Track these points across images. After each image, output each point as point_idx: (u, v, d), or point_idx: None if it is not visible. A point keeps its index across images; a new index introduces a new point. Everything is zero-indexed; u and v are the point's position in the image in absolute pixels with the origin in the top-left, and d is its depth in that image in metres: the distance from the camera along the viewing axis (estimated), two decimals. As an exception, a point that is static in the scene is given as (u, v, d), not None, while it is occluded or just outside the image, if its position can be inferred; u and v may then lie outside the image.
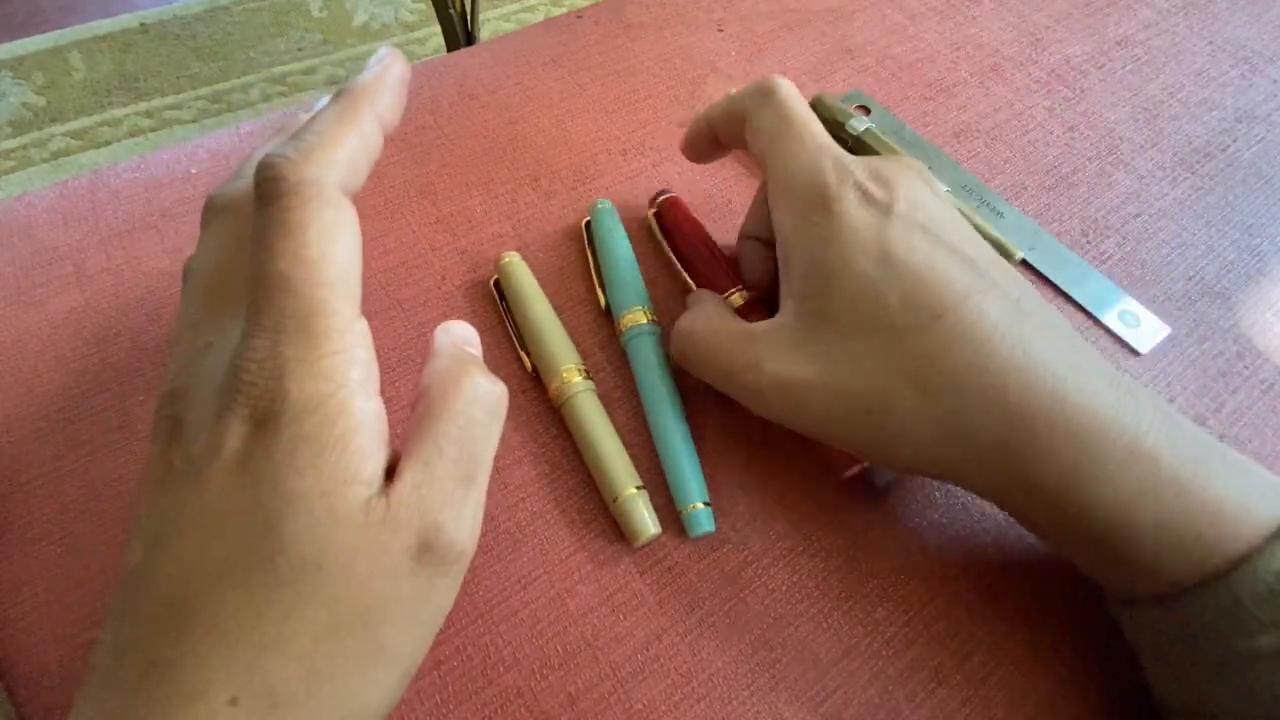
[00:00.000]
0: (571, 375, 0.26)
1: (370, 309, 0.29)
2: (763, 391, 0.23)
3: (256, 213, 0.17)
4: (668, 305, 0.30)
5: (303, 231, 0.16)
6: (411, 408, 0.18)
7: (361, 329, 0.17)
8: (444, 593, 0.17)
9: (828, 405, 0.22)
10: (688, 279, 0.30)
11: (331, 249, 0.16)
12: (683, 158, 0.35)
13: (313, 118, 0.18)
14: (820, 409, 0.22)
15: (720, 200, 0.34)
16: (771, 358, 0.22)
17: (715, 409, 0.28)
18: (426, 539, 0.16)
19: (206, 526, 0.15)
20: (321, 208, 0.16)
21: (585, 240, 0.31)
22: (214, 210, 0.20)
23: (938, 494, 0.26)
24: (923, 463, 0.21)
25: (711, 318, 0.25)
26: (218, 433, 0.15)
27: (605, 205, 0.31)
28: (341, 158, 0.17)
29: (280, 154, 0.17)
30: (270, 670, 0.15)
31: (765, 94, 0.25)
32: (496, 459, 0.26)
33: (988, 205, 0.34)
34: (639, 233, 0.32)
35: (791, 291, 0.23)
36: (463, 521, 0.17)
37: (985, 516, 0.26)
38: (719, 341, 0.24)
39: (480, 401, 0.18)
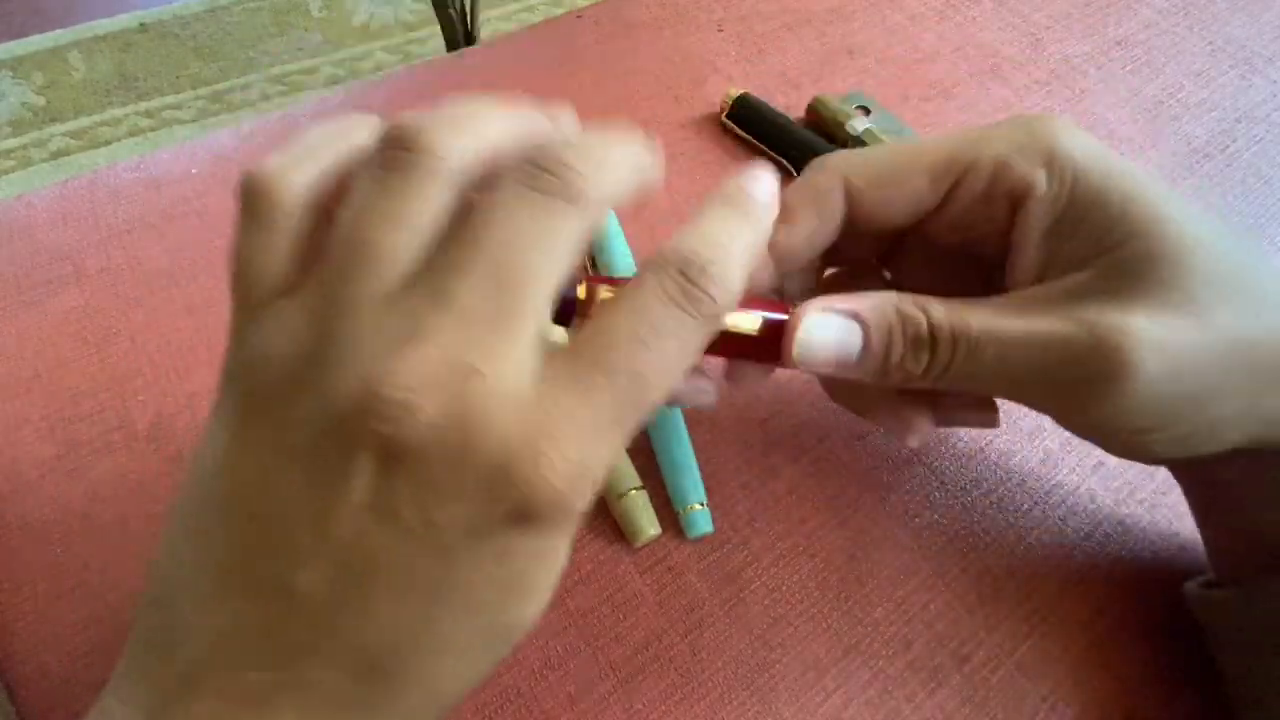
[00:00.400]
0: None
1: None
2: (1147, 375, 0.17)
3: (664, 300, 0.15)
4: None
5: (693, 347, 0.15)
6: None
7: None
8: None
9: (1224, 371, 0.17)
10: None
11: (683, 371, 0.16)
12: (683, 158, 0.35)
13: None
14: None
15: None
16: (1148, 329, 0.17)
17: (715, 409, 0.28)
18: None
19: (436, 604, 0.14)
20: (709, 332, 0.15)
21: (585, 240, 0.31)
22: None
23: (937, 494, 0.26)
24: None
25: (965, 306, 0.19)
26: (479, 513, 0.13)
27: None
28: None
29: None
30: (455, 700, 0.16)
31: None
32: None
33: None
34: (636, 231, 0.32)
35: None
36: None
37: (985, 517, 0.26)
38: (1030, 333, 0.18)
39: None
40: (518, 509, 0.13)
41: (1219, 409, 0.18)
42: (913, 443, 0.22)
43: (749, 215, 0.17)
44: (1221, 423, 0.18)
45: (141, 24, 1.35)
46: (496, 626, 0.15)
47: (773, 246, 0.20)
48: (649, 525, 0.24)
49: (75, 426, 0.26)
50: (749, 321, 0.19)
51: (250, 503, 0.14)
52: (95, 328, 0.29)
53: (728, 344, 0.19)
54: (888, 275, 0.24)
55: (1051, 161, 0.19)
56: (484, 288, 0.14)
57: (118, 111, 1.23)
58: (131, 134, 1.21)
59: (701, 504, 0.25)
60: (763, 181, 0.18)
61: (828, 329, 0.19)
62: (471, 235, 0.14)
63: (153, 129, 1.21)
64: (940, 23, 0.42)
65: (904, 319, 0.19)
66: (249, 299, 0.15)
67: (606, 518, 0.25)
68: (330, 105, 0.37)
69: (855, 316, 0.19)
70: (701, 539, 0.25)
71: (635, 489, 0.25)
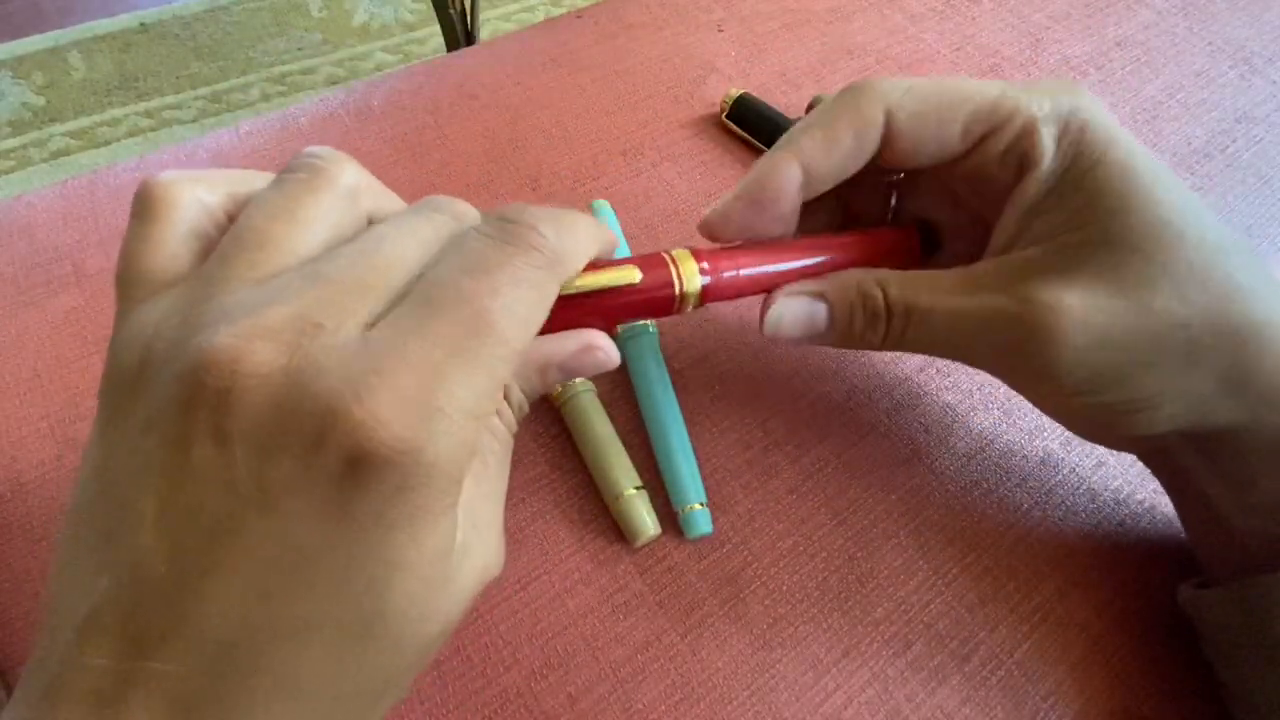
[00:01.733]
0: (571, 375, 0.26)
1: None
2: (1069, 342, 0.18)
3: (483, 237, 0.15)
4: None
5: (541, 292, 0.15)
6: None
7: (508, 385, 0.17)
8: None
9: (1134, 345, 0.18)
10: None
11: (538, 317, 0.15)
12: (683, 159, 0.35)
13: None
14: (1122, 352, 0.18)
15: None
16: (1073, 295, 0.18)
17: (714, 409, 0.28)
18: (486, 576, 0.16)
19: (281, 576, 0.13)
20: (557, 276, 0.16)
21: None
22: (431, 205, 0.17)
23: (937, 494, 0.26)
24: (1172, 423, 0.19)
25: (920, 281, 0.21)
26: (313, 466, 0.12)
27: (602, 206, 0.31)
28: (588, 236, 0.18)
29: (535, 212, 0.16)
30: (343, 714, 0.14)
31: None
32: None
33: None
34: (636, 231, 0.32)
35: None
36: (502, 546, 0.17)
37: (985, 517, 0.26)
38: (971, 304, 0.20)
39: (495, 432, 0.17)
40: (349, 456, 0.12)
41: (1150, 384, 0.19)
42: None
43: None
44: (1155, 397, 0.19)
45: (141, 24, 1.35)
46: (362, 612, 0.13)
47: (809, 165, 0.21)
48: (649, 525, 0.24)
49: (75, 426, 0.26)
50: (628, 275, 0.19)
51: (106, 487, 0.13)
52: (95, 328, 0.29)
53: (613, 303, 0.19)
54: (894, 200, 0.25)
55: (1062, 136, 0.19)
56: (356, 263, 0.14)
57: (118, 111, 1.23)
58: (131, 134, 1.21)
59: (701, 504, 0.25)
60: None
61: (797, 309, 0.22)
62: (376, 236, 0.15)
63: (153, 129, 1.21)
64: (940, 23, 0.42)
65: (864, 297, 0.21)
66: (132, 295, 0.15)
67: (606, 518, 0.25)
68: (330, 105, 0.37)
69: (821, 297, 0.21)
70: (701, 539, 0.25)
71: (635, 489, 0.25)
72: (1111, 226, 0.18)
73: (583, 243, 0.18)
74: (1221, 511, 0.21)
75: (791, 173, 0.21)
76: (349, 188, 0.16)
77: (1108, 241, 0.18)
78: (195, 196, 0.15)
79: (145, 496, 0.13)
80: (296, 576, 0.13)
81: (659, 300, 0.20)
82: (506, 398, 0.17)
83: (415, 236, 0.15)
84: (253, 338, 0.13)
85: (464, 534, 0.15)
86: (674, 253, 0.21)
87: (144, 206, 0.15)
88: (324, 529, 0.13)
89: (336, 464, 0.12)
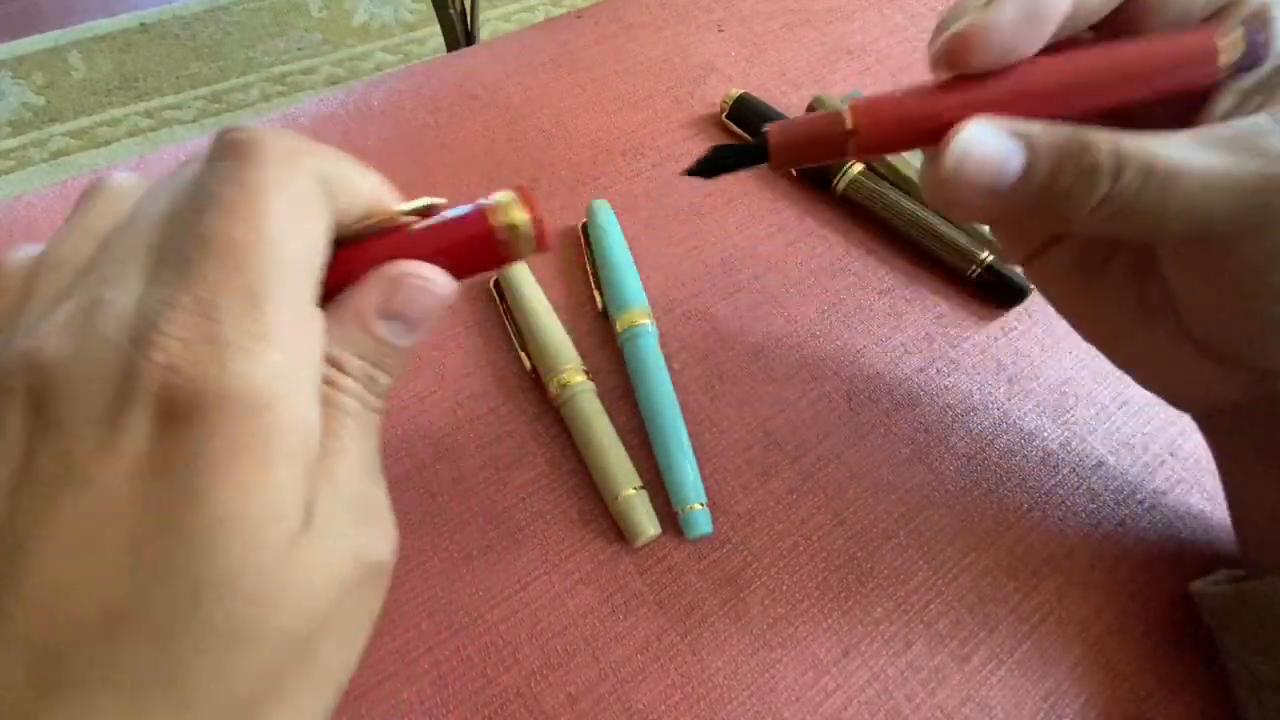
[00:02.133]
0: (571, 375, 0.26)
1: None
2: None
3: (208, 167, 0.14)
4: (665, 305, 0.30)
5: (268, 196, 0.13)
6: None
7: (319, 326, 0.14)
8: (377, 601, 0.15)
9: None
10: None
11: (300, 226, 0.14)
12: (683, 159, 0.35)
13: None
14: None
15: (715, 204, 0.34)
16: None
17: (714, 409, 0.28)
18: (359, 561, 0.14)
19: (98, 553, 0.12)
20: (297, 177, 0.14)
21: (582, 241, 0.31)
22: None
23: (937, 494, 0.26)
24: None
25: (1149, 137, 0.17)
26: (117, 427, 0.12)
27: (601, 205, 0.31)
28: (334, 161, 0.15)
29: (252, 127, 0.15)
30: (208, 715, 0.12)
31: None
32: (497, 459, 0.26)
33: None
34: (636, 232, 0.32)
35: None
36: (390, 532, 0.15)
37: (985, 517, 0.26)
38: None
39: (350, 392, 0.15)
40: (154, 408, 0.12)
41: None
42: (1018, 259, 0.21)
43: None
44: None
45: (141, 24, 1.35)
46: (190, 582, 0.12)
47: None
48: (649, 525, 0.24)
49: (75, 426, 0.26)
50: (416, 203, 0.17)
51: None
52: (95, 328, 0.29)
53: (425, 247, 0.16)
54: None
55: None
56: (128, 250, 0.14)
57: (118, 111, 1.23)
58: (131, 134, 1.21)
59: (701, 504, 0.25)
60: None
61: (987, 141, 0.17)
62: (118, 226, 0.15)
63: (153, 129, 1.21)
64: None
65: (1081, 145, 0.16)
66: None
67: (606, 518, 0.25)
68: (330, 105, 0.37)
69: (1024, 137, 0.17)
70: (701, 539, 0.25)
71: (635, 489, 0.25)
72: None
73: (308, 150, 0.15)
74: None
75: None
76: (117, 194, 0.16)
77: None
78: (19, 264, 0.15)
79: None
80: (116, 551, 0.12)
81: (469, 239, 0.16)
82: (340, 366, 0.15)
83: (159, 193, 0.15)
84: (46, 335, 0.13)
85: (324, 505, 0.14)
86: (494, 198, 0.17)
87: None
88: (141, 489, 0.12)
89: (142, 420, 0.12)
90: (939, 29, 0.18)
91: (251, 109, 1.25)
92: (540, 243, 0.17)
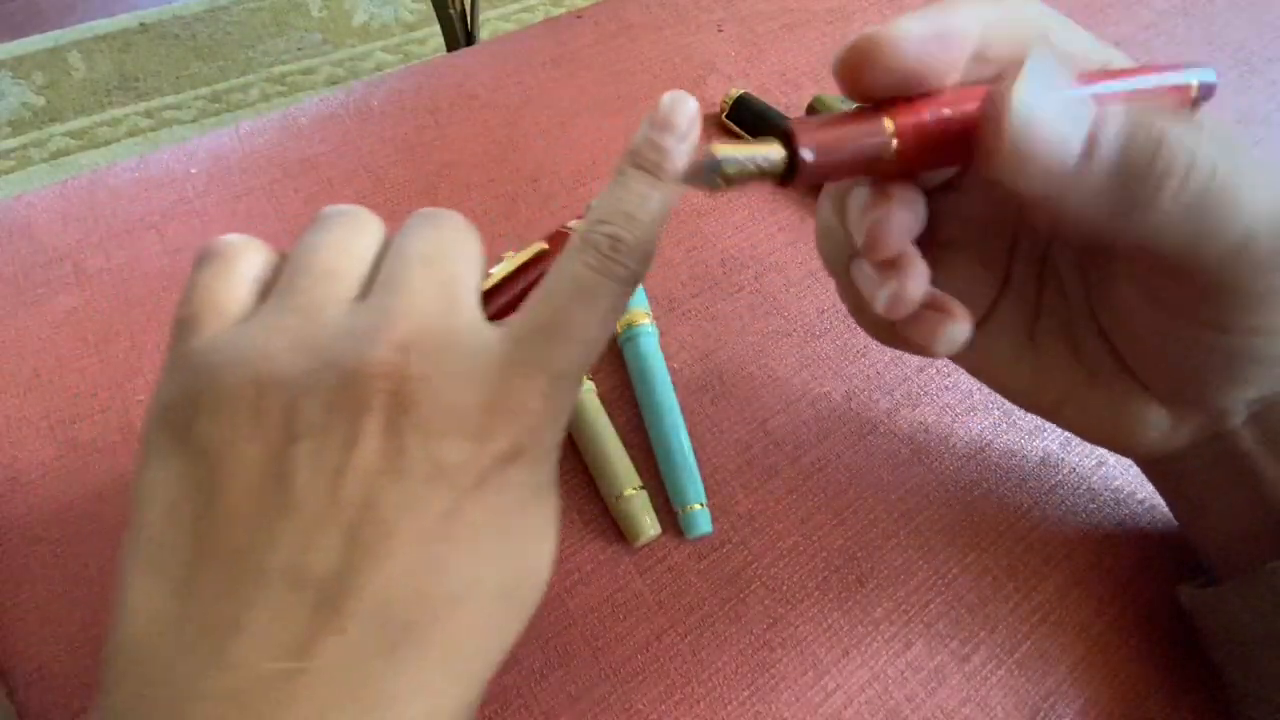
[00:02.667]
0: (571, 375, 0.26)
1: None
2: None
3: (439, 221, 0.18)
4: (665, 305, 0.30)
5: (612, 315, 0.17)
6: None
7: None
8: None
9: None
10: None
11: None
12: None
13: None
14: None
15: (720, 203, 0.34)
16: None
17: (714, 409, 0.28)
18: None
19: (451, 544, 0.15)
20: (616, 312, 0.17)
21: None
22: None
23: (937, 494, 0.26)
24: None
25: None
26: (481, 446, 0.15)
27: (605, 205, 0.31)
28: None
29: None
30: (480, 684, 0.15)
31: None
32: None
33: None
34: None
35: None
36: None
37: (985, 517, 0.26)
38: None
39: None
40: (511, 440, 0.15)
41: None
42: (943, 349, 0.18)
43: (659, 177, 0.18)
44: None
45: (141, 24, 1.35)
46: (512, 575, 0.16)
47: (986, 23, 0.15)
48: (649, 525, 0.24)
49: (75, 426, 0.26)
50: (536, 246, 0.19)
51: (241, 502, 0.14)
52: (95, 328, 0.29)
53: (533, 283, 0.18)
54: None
55: None
56: (425, 276, 0.17)
57: (118, 111, 1.23)
58: (131, 134, 1.21)
59: (701, 504, 0.25)
60: (680, 109, 0.19)
61: (1051, 105, 0.14)
62: (398, 250, 0.17)
63: (153, 129, 1.21)
64: (940, 23, 0.42)
65: (1162, 129, 0.14)
66: (205, 327, 0.16)
67: (606, 518, 0.25)
68: (330, 105, 0.37)
69: (1095, 101, 0.14)
70: (701, 539, 0.25)
71: (635, 489, 0.25)
72: None
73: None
74: (1274, 496, 0.20)
75: (974, 25, 0.15)
76: (377, 226, 0.18)
77: None
78: (257, 249, 0.18)
79: (307, 498, 0.14)
80: (467, 544, 0.15)
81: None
82: None
83: (451, 247, 0.18)
84: (404, 348, 0.15)
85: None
86: (572, 224, 0.20)
87: (213, 253, 0.17)
88: (490, 500, 0.15)
89: (501, 447, 0.15)
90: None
91: (251, 109, 1.25)
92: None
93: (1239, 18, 0.43)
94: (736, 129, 0.36)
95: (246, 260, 0.17)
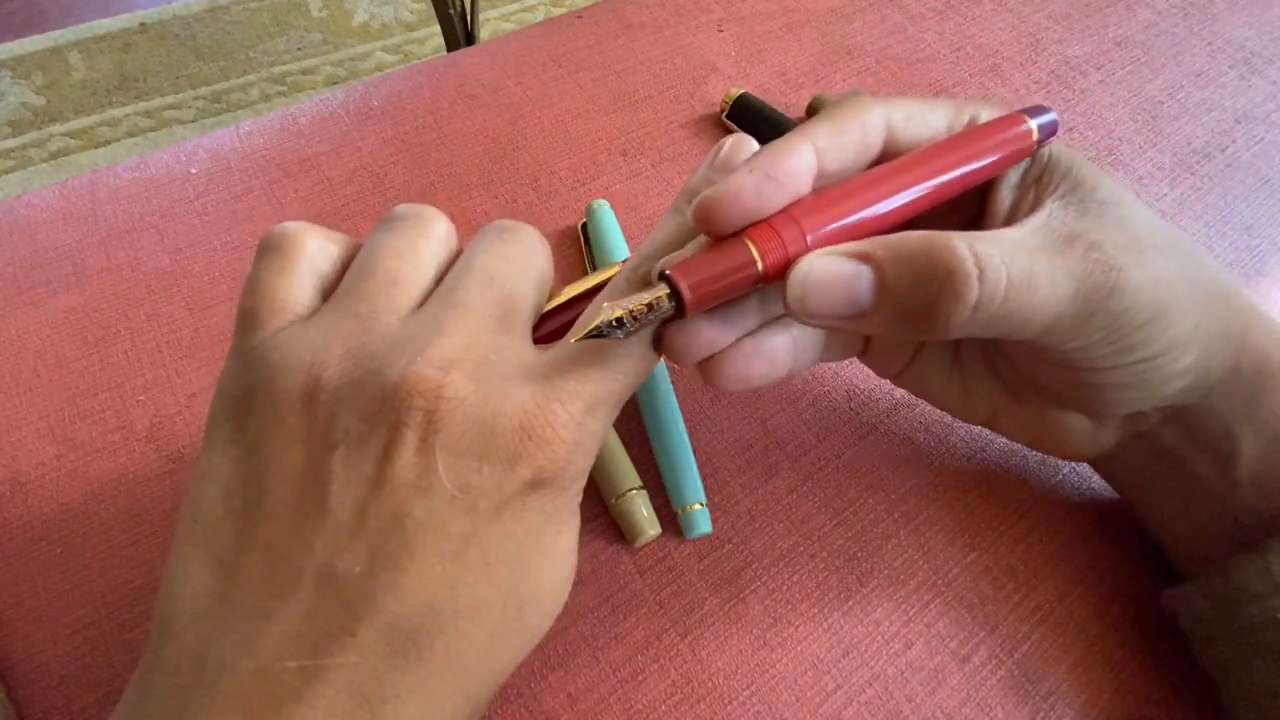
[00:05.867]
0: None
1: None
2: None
3: (520, 240, 0.18)
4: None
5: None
6: None
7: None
8: None
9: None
10: None
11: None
12: (683, 159, 0.35)
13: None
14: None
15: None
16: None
17: (714, 409, 0.28)
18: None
19: (465, 564, 0.15)
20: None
21: (581, 241, 0.31)
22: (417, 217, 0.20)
23: (937, 495, 0.26)
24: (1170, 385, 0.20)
25: (998, 240, 0.18)
26: (506, 474, 0.15)
27: (601, 205, 0.31)
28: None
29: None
30: (485, 699, 0.16)
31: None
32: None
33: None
34: (636, 232, 0.32)
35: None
36: None
37: (985, 518, 0.26)
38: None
39: None
40: (538, 468, 0.15)
41: (1178, 326, 0.19)
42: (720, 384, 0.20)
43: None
44: (1180, 340, 0.19)
45: (141, 24, 1.35)
46: (520, 596, 0.16)
47: (821, 151, 0.18)
48: (649, 525, 0.24)
49: (75, 426, 0.26)
50: (611, 270, 0.19)
51: (284, 501, 0.15)
52: (95, 328, 0.29)
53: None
54: None
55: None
56: (483, 294, 0.17)
57: (118, 111, 1.23)
58: (131, 134, 1.21)
59: (701, 504, 0.25)
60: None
61: (829, 270, 0.17)
62: (465, 264, 0.18)
63: (153, 129, 1.21)
64: (940, 23, 0.42)
65: (945, 252, 0.16)
66: (266, 323, 0.17)
67: (606, 518, 0.25)
68: (330, 105, 0.37)
69: (866, 258, 0.17)
70: (701, 539, 0.25)
71: (635, 489, 0.25)
72: (1100, 193, 0.19)
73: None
74: (1212, 488, 0.21)
75: (807, 154, 0.18)
76: (446, 231, 0.19)
77: (1105, 202, 0.19)
78: (319, 242, 0.18)
79: (339, 505, 0.15)
80: (480, 566, 0.15)
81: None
82: None
83: (514, 265, 0.18)
84: (446, 367, 0.15)
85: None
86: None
87: (275, 245, 0.18)
88: (507, 526, 0.15)
89: (528, 474, 0.15)
90: (687, 189, 0.19)
91: (251, 109, 1.25)
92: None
93: (1239, 18, 0.43)
94: (737, 129, 0.36)
95: (306, 255, 0.18)
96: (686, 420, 0.27)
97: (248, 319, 0.17)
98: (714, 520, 0.25)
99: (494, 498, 0.15)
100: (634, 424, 0.27)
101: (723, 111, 0.36)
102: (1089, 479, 0.27)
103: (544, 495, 0.16)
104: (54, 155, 1.18)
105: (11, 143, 1.18)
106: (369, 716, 0.14)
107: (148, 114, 1.23)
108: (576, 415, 0.16)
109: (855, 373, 0.29)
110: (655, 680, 0.23)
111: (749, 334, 0.19)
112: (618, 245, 0.30)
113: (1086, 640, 0.24)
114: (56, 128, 1.21)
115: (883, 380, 0.29)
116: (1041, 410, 0.22)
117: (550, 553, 0.17)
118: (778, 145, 0.18)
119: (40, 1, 1.38)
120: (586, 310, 0.18)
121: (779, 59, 0.40)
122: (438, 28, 0.88)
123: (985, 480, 0.27)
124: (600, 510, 0.25)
